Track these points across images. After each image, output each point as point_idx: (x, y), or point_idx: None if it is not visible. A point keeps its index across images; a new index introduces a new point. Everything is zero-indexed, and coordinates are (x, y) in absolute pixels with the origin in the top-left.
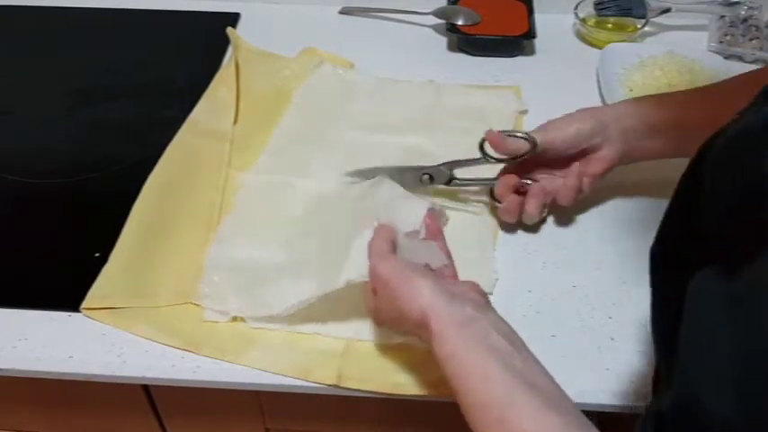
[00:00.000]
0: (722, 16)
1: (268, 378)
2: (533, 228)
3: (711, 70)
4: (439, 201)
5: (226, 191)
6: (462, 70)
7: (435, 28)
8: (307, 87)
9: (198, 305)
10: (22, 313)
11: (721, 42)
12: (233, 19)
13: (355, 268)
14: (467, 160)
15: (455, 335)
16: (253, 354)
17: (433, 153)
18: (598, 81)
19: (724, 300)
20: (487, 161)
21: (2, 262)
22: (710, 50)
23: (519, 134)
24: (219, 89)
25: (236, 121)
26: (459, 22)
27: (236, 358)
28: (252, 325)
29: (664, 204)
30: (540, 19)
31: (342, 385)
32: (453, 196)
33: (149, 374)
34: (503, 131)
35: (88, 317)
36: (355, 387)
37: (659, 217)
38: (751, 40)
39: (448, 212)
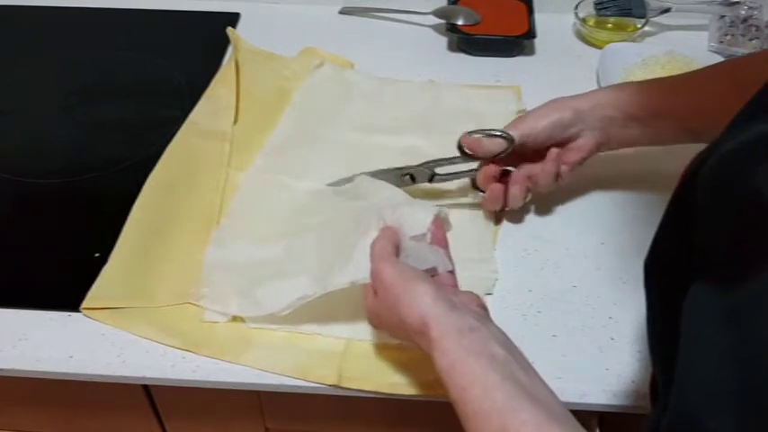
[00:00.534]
0: (722, 16)
1: (268, 378)
2: (533, 228)
3: None
4: (438, 200)
5: (225, 192)
6: (462, 70)
7: (435, 28)
8: (306, 87)
9: (198, 305)
10: (22, 313)
11: (721, 42)
12: (233, 19)
13: (359, 269)
14: (446, 159)
15: (455, 344)
16: (253, 354)
17: (432, 154)
18: (598, 81)
19: (722, 317)
20: (466, 160)
21: (2, 262)
22: (710, 50)
23: (496, 132)
24: (219, 89)
25: (235, 121)
26: (460, 22)
27: (236, 358)
28: (251, 325)
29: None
30: (540, 19)
31: (342, 385)
32: (453, 197)
33: (149, 374)
34: (481, 131)
35: (88, 317)
36: (355, 387)
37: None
38: (751, 40)
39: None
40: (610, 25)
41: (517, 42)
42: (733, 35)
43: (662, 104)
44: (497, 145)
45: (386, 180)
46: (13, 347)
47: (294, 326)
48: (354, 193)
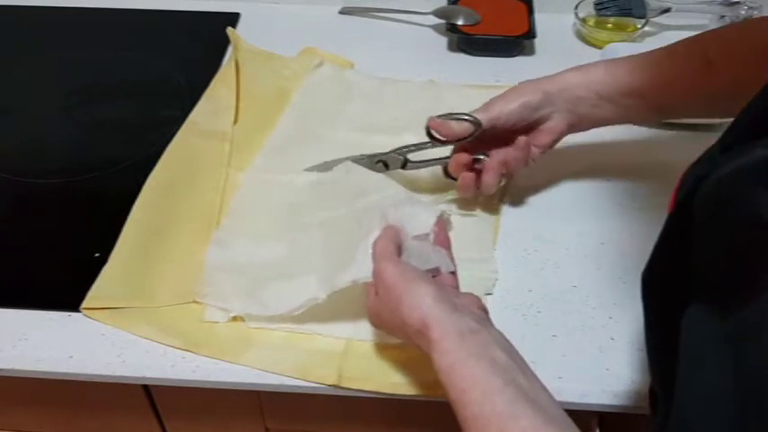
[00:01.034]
0: (722, 16)
1: (268, 378)
2: (533, 228)
3: None
4: (435, 199)
5: (226, 192)
6: (462, 70)
7: (435, 28)
8: (306, 87)
9: (199, 303)
10: (22, 313)
11: None
12: (233, 19)
13: (361, 268)
14: (417, 144)
15: (456, 345)
16: (253, 354)
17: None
18: None
19: (721, 340)
20: (435, 144)
21: (2, 262)
22: None
23: (464, 116)
24: (219, 89)
25: (235, 121)
26: (460, 22)
27: (236, 358)
28: (251, 325)
29: (665, 203)
30: (540, 19)
31: (342, 385)
32: (453, 198)
33: (149, 374)
34: (448, 115)
35: (88, 317)
36: (355, 387)
37: (662, 216)
38: None
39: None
40: (610, 25)
41: (517, 42)
42: None
43: (631, 83)
44: (464, 128)
45: (360, 166)
46: (13, 347)
47: (294, 325)
48: (355, 188)
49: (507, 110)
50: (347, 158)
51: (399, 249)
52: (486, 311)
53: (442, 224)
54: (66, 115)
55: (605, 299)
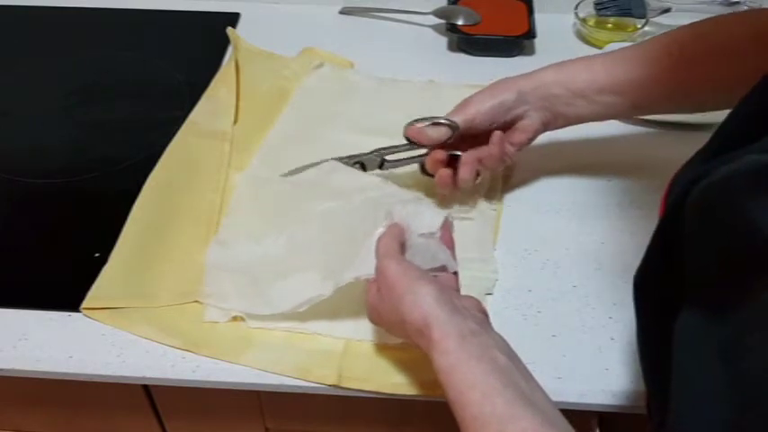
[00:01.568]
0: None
1: (268, 378)
2: (533, 228)
3: None
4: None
5: (225, 192)
6: (462, 70)
7: (435, 28)
8: (305, 88)
9: (199, 303)
10: (22, 313)
11: None
12: (233, 19)
13: (364, 265)
14: (395, 147)
15: (457, 346)
16: (253, 354)
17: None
18: None
19: (714, 348)
20: (413, 148)
21: (2, 262)
22: None
23: (441, 120)
24: (219, 89)
25: (235, 121)
26: (460, 22)
27: (236, 358)
28: (251, 324)
29: None
30: (540, 19)
31: (342, 385)
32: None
33: (149, 374)
34: (425, 119)
35: (88, 317)
36: (355, 387)
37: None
38: None
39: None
40: (610, 25)
41: (517, 42)
42: None
43: (606, 80)
44: (441, 133)
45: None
46: (13, 347)
47: (294, 325)
48: (351, 185)
49: (483, 110)
50: (325, 161)
51: (403, 248)
52: (486, 315)
53: (448, 225)
54: (66, 115)
55: (605, 299)
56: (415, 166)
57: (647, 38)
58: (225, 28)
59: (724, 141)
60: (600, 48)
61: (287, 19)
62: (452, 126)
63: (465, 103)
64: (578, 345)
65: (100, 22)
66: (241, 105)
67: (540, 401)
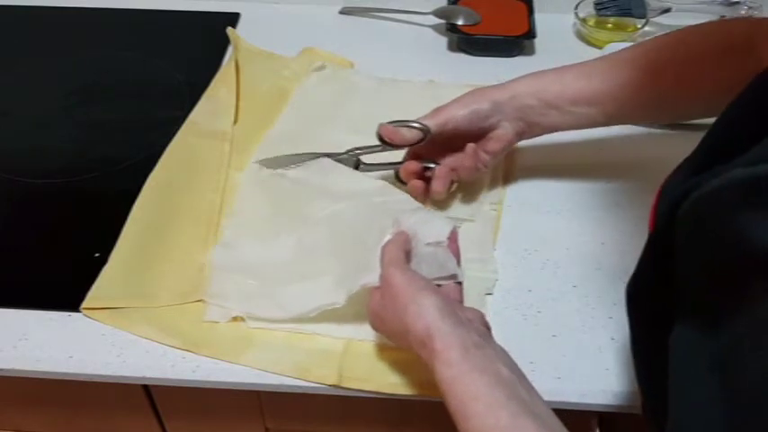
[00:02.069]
0: (722, 16)
1: (268, 378)
2: (533, 228)
3: None
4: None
5: (226, 192)
6: (462, 70)
7: (435, 28)
8: (305, 88)
9: (199, 303)
10: (22, 313)
11: None
12: (233, 19)
13: (374, 273)
14: (369, 147)
15: (460, 358)
16: (253, 354)
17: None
18: None
19: (707, 361)
20: (386, 148)
21: (2, 262)
22: None
23: (413, 123)
24: (219, 89)
25: (235, 121)
26: (460, 22)
27: (236, 358)
28: (251, 325)
29: None
30: (540, 19)
31: (342, 385)
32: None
33: (149, 374)
34: (399, 121)
35: (88, 317)
36: (355, 387)
37: None
38: None
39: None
40: (610, 25)
41: (517, 42)
42: None
43: (578, 91)
44: (414, 135)
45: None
46: (13, 347)
47: (294, 325)
48: (363, 189)
49: (456, 117)
50: (299, 155)
51: (408, 256)
52: (489, 328)
53: (455, 235)
54: (66, 115)
55: (605, 299)
56: (390, 172)
57: (647, 38)
58: (225, 28)
59: (711, 151)
60: (600, 48)
61: (287, 19)
62: (424, 129)
63: (439, 109)
64: (578, 345)
65: (100, 22)
66: (241, 105)
67: (542, 414)
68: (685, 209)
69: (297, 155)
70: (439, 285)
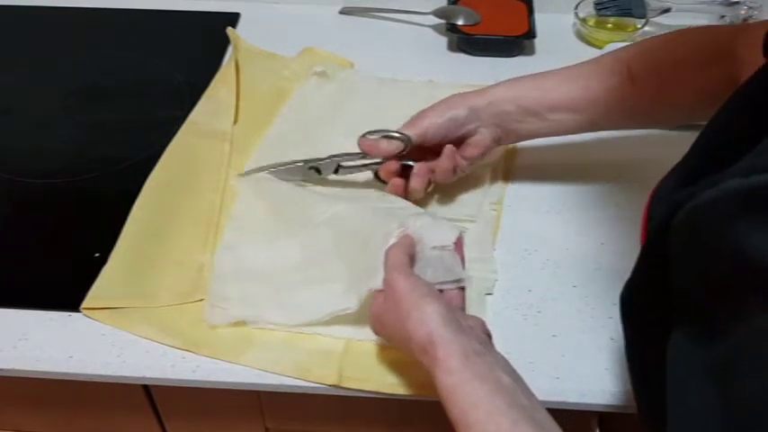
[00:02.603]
0: (722, 16)
1: (268, 378)
2: (533, 228)
3: None
4: (435, 209)
5: (225, 192)
6: (462, 70)
7: (435, 28)
8: (305, 88)
9: (200, 303)
10: (22, 313)
11: None
12: (233, 19)
13: (376, 277)
14: (351, 154)
15: (461, 365)
16: (253, 354)
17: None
18: None
19: (704, 372)
20: (367, 157)
21: (2, 262)
22: None
23: (393, 134)
24: (219, 89)
25: (235, 122)
26: (460, 22)
27: (236, 358)
28: (252, 325)
29: None
30: (540, 19)
31: (342, 385)
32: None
33: (149, 374)
34: (379, 131)
35: (88, 317)
36: (355, 387)
37: None
38: None
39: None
40: (610, 25)
41: (517, 42)
42: None
43: (556, 98)
44: (395, 146)
45: (291, 173)
46: (13, 347)
47: (294, 326)
48: (364, 194)
49: (435, 125)
50: (280, 164)
51: (412, 260)
52: (489, 336)
53: (461, 241)
54: (67, 115)
55: (605, 299)
56: (369, 173)
57: (646, 38)
58: (225, 28)
59: (703, 158)
60: (600, 48)
61: (287, 19)
62: (404, 140)
63: (418, 116)
64: (578, 345)
65: (100, 22)
66: (241, 105)
67: (543, 421)
68: (680, 219)
69: (281, 164)
70: (441, 291)
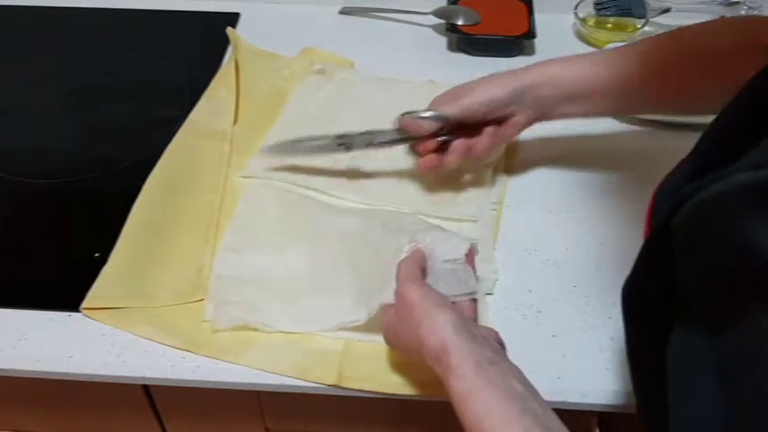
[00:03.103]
0: (722, 16)
1: (268, 378)
2: (533, 228)
3: None
4: (436, 209)
5: (225, 192)
6: (462, 70)
7: (435, 28)
8: (305, 88)
9: (200, 303)
10: (22, 313)
11: None
12: (233, 19)
13: (388, 291)
14: (383, 131)
15: (474, 373)
16: (253, 354)
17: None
18: None
19: (710, 369)
20: (403, 137)
21: (2, 262)
22: None
23: (430, 113)
24: (219, 89)
25: (235, 122)
26: (460, 22)
27: (236, 358)
28: (259, 328)
29: None
30: (539, 19)
31: (342, 385)
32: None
33: (149, 374)
34: (414, 112)
35: (88, 317)
36: (355, 387)
37: None
38: None
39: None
40: (609, 25)
41: (517, 42)
42: None
43: (595, 83)
44: (433, 125)
45: (320, 145)
46: (13, 347)
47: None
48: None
49: (475, 105)
50: (309, 137)
51: (424, 273)
52: (503, 345)
53: (472, 254)
54: (66, 115)
55: (605, 299)
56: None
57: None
58: (225, 28)
59: (709, 154)
60: (600, 48)
61: (287, 19)
62: (443, 118)
63: (457, 95)
64: (578, 345)
65: (100, 22)
66: (241, 105)
67: (555, 429)
68: (686, 213)
69: (308, 138)
70: (453, 303)
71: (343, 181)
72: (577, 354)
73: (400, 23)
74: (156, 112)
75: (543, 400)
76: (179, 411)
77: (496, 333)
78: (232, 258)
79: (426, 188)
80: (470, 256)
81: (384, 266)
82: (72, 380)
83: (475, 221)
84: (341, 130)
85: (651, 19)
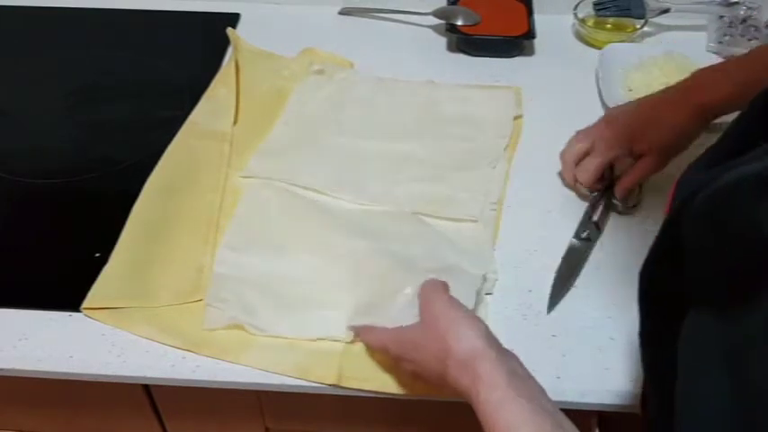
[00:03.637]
0: (721, 16)
1: (268, 378)
2: (533, 228)
3: None
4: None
5: (226, 192)
6: (462, 70)
7: (435, 28)
8: (305, 88)
9: (200, 303)
10: (22, 313)
11: (720, 42)
12: (233, 19)
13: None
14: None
15: (506, 383)
16: (253, 354)
17: (427, 160)
18: (597, 81)
19: (721, 355)
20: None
21: (2, 262)
22: (709, 51)
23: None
24: (219, 89)
25: (235, 122)
26: (459, 23)
27: (237, 358)
28: (250, 331)
29: (664, 203)
30: (539, 19)
31: (342, 385)
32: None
33: (149, 374)
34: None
35: (88, 317)
36: (355, 387)
37: (661, 216)
38: (750, 40)
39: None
40: (609, 26)
41: (517, 43)
42: (732, 35)
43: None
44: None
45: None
46: (13, 347)
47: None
48: (395, 231)
49: (680, 147)
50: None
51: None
52: (524, 367)
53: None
54: (66, 115)
55: (605, 299)
56: None
57: (645, 39)
58: (225, 28)
59: (726, 147)
60: (599, 48)
61: (287, 19)
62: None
63: (649, 132)
64: (578, 345)
65: (100, 22)
66: (241, 106)
67: None
68: (701, 201)
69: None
70: None
71: (344, 181)
72: (577, 354)
73: (400, 24)
74: (156, 112)
75: (570, 422)
76: (179, 411)
77: (518, 357)
78: (232, 257)
79: (426, 188)
80: None
81: (381, 301)
82: (72, 380)
83: (475, 221)
84: (341, 130)
85: (650, 19)
